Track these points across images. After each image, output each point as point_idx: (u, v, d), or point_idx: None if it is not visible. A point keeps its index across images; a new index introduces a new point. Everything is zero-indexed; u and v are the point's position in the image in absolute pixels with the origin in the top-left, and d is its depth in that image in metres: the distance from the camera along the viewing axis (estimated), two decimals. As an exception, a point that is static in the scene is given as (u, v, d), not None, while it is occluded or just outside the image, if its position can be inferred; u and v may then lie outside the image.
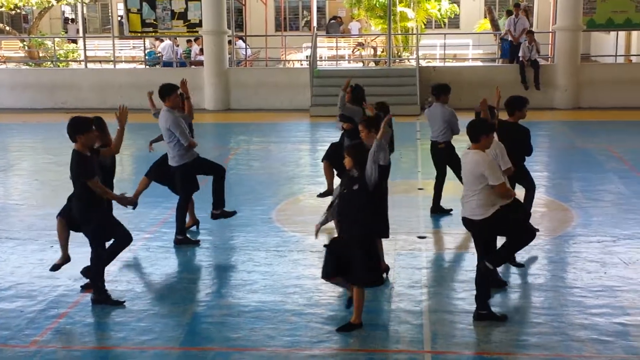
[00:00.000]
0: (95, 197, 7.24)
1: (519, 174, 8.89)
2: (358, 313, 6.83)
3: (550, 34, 22.08)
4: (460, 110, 19.39)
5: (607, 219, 10.19)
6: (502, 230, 7.02)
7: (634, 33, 25.49)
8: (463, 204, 7.08)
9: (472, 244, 9.13)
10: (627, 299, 7.53)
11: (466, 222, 7.11)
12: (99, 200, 7.30)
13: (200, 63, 21.76)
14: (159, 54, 24.99)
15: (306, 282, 8.12)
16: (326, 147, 16.05)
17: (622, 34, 24.62)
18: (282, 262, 8.71)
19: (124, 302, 7.56)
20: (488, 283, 7.03)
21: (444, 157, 10.42)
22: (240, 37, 25.10)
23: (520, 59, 19.90)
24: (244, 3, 26.55)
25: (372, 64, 25.78)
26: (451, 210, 10.27)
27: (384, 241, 9.38)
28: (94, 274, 7.52)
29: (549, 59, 21.86)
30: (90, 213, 7.28)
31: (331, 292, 7.77)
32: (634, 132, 15.80)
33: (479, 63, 26.12)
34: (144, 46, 24.96)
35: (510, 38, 21.15)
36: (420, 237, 9.53)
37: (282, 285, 8.02)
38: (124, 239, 7.54)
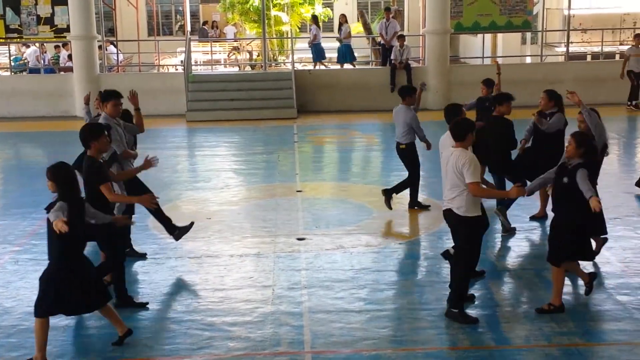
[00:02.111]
0: (107, 203, 7.12)
1: (505, 167, 9.50)
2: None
3: (421, 37, 22.70)
4: (334, 113, 19.84)
5: (478, 214, 10.56)
6: (468, 237, 7.08)
7: (499, 35, 26.57)
8: (447, 201, 7.09)
9: (349, 244, 9.31)
10: (498, 291, 7.83)
11: (450, 215, 7.08)
12: (110, 205, 7.23)
13: (70, 69, 21.08)
14: (25, 60, 24.07)
15: (184, 289, 8.02)
16: (204, 153, 15.93)
17: (488, 36, 25.62)
18: (159, 269, 8.56)
19: (147, 303, 7.47)
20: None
21: (407, 158, 10.58)
22: (112, 42, 24.51)
23: (393, 61, 20.35)
24: (113, 7, 25.94)
25: (248, 68, 25.75)
26: (429, 206, 10.65)
27: (266, 245, 9.44)
28: (115, 279, 7.40)
29: (420, 61, 22.48)
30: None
31: (211, 298, 7.71)
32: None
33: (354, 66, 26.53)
34: (9, 52, 23.97)
35: (382, 41, 21.62)
36: (299, 239, 9.57)
37: (160, 293, 7.88)
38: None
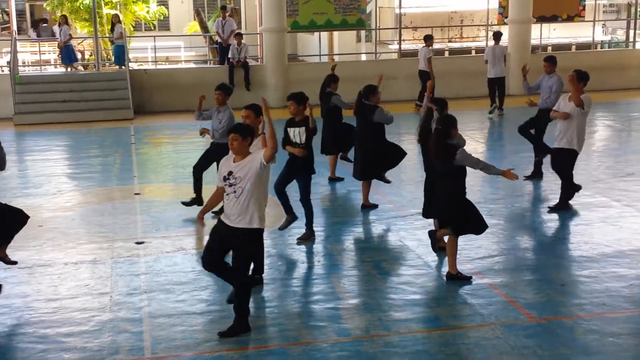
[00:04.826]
0: None
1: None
2: None
3: (258, 35, 22.72)
4: (172, 113, 19.49)
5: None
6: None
7: (335, 33, 27.08)
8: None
9: (190, 245, 9.17)
10: (338, 285, 7.94)
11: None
12: None
13: None
14: None
15: (15, 300, 7.59)
16: (34, 157, 15.23)
17: (324, 35, 26.04)
18: (-14, 282, 8.06)
19: None
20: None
21: None
22: None
23: (230, 60, 20.24)
24: None
25: (80, 68, 24.83)
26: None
27: (103, 250, 9.13)
28: None
29: (259, 59, 22.50)
30: None
31: (44, 309, 7.34)
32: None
33: (192, 65, 26.24)
34: None
35: (219, 39, 21.47)
36: (138, 243, 9.31)
37: (-13, 308, 7.44)
38: None
